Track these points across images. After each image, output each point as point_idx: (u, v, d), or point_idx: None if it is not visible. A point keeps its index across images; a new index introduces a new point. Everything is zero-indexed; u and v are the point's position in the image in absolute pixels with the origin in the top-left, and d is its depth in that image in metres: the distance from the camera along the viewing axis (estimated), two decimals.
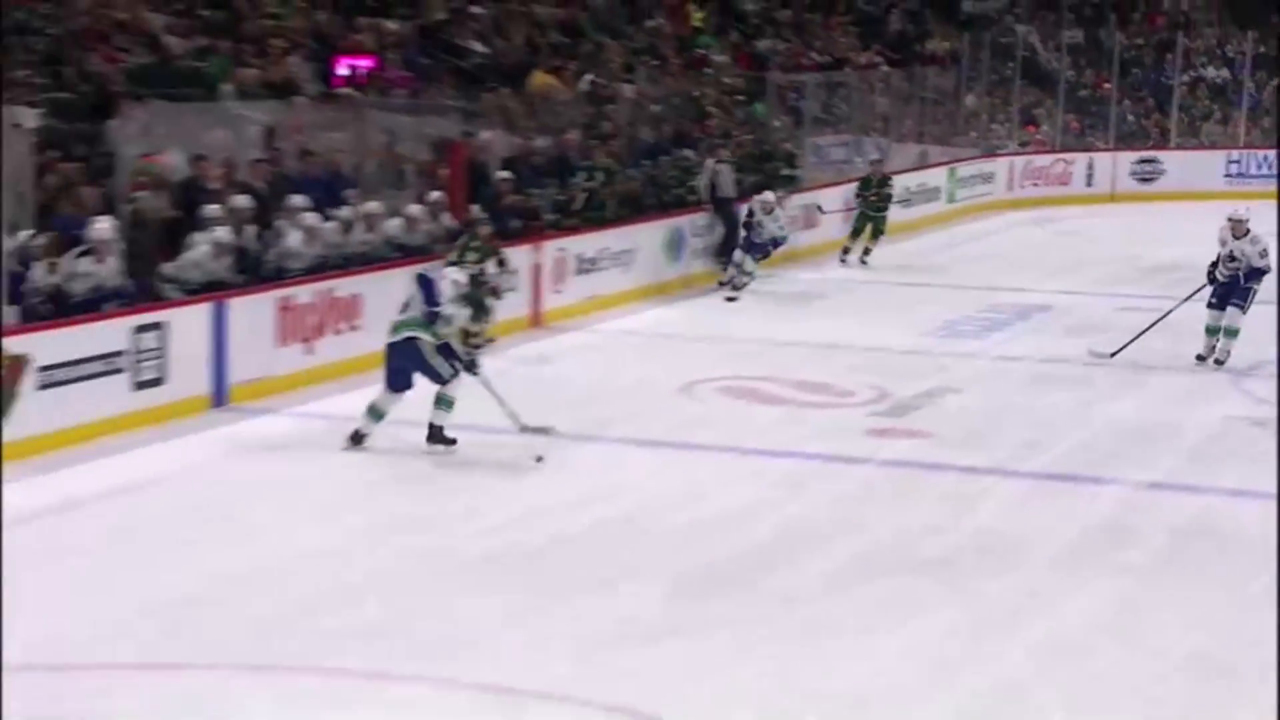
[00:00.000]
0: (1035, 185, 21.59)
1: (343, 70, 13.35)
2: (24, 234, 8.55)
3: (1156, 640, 5.59)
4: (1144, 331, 10.68)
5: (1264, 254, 10.99)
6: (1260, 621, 5.85)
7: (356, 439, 7.91)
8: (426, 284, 8.01)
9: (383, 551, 6.71)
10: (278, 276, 9.70)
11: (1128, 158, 21.99)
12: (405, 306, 8.00)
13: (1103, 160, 21.99)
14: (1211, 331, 11.10)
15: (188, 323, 8.77)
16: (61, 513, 7.08)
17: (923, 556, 6.64)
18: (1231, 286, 10.96)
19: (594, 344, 11.95)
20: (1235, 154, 22.62)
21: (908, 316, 12.88)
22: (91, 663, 5.18)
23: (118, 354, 8.34)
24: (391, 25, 14.56)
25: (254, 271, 9.49)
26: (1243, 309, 10.88)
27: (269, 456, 7.76)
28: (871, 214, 16.30)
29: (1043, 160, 22.02)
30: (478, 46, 15.68)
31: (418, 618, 5.80)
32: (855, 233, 16.49)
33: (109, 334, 8.34)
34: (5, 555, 6.81)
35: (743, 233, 14.38)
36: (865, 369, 10.62)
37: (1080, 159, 22.09)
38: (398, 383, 7.90)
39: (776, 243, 14.35)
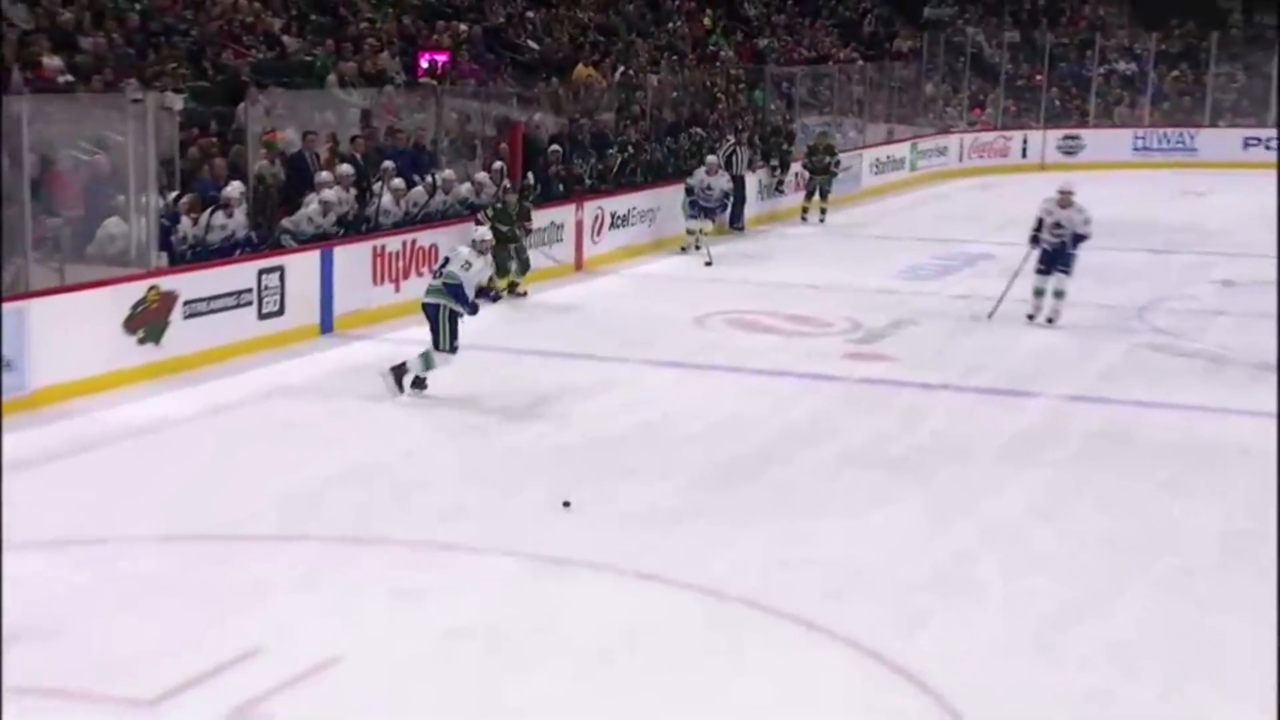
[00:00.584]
0: (981, 157, 20.73)
1: (424, 64, 12.84)
2: (172, 195, 8.22)
3: (1077, 522, 5.34)
4: (1006, 291, 9.56)
5: (1086, 222, 9.53)
6: (1160, 507, 5.63)
7: (418, 384, 6.94)
8: (444, 260, 7.31)
9: (456, 448, 6.48)
10: (373, 229, 9.36)
11: (1055, 135, 21.05)
12: (436, 273, 7.29)
13: (1035, 137, 21.09)
14: (1039, 293, 9.50)
15: (301, 266, 8.48)
16: (207, 416, 6.83)
17: (891, 455, 6.31)
18: (1057, 253, 9.40)
19: (624, 285, 11.35)
20: (1140, 132, 21.87)
21: (878, 263, 12.17)
22: (238, 535, 5.05)
23: (246, 291, 8.03)
24: (463, 27, 13.92)
25: (353, 226, 9.13)
26: (1068, 273, 9.39)
27: (366, 373, 7.33)
28: (814, 175, 15.12)
29: (987, 137, 21.15)
30: (532, 44, 14.98)
31: (483, 501, 5.55)
32: (808, 195, 15.40)
33: (239, 275, 8.04)
34: (169, 449, 6.61)
35: (688, 199, 12.65)
36: (843, 305, 10.02)
37: (1017, 136, 21.17)
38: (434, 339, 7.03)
39: (727, 196, 12.98)
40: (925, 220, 15.88)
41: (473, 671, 3.74)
